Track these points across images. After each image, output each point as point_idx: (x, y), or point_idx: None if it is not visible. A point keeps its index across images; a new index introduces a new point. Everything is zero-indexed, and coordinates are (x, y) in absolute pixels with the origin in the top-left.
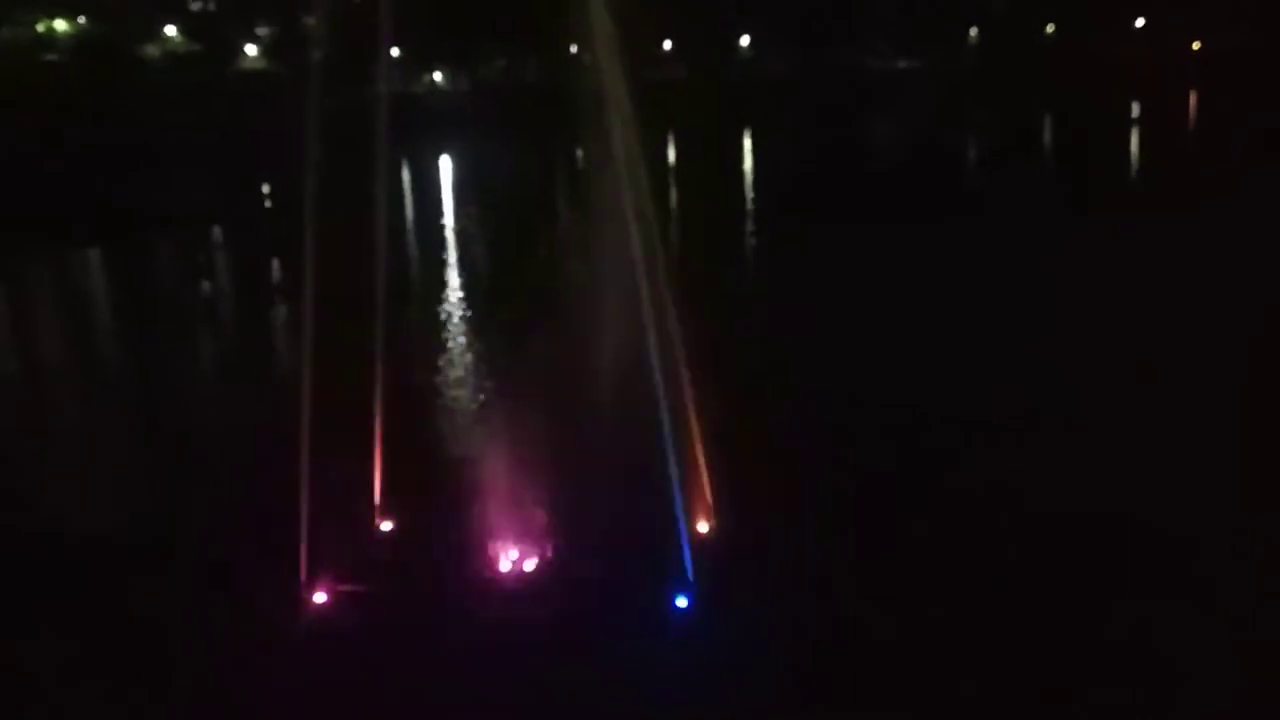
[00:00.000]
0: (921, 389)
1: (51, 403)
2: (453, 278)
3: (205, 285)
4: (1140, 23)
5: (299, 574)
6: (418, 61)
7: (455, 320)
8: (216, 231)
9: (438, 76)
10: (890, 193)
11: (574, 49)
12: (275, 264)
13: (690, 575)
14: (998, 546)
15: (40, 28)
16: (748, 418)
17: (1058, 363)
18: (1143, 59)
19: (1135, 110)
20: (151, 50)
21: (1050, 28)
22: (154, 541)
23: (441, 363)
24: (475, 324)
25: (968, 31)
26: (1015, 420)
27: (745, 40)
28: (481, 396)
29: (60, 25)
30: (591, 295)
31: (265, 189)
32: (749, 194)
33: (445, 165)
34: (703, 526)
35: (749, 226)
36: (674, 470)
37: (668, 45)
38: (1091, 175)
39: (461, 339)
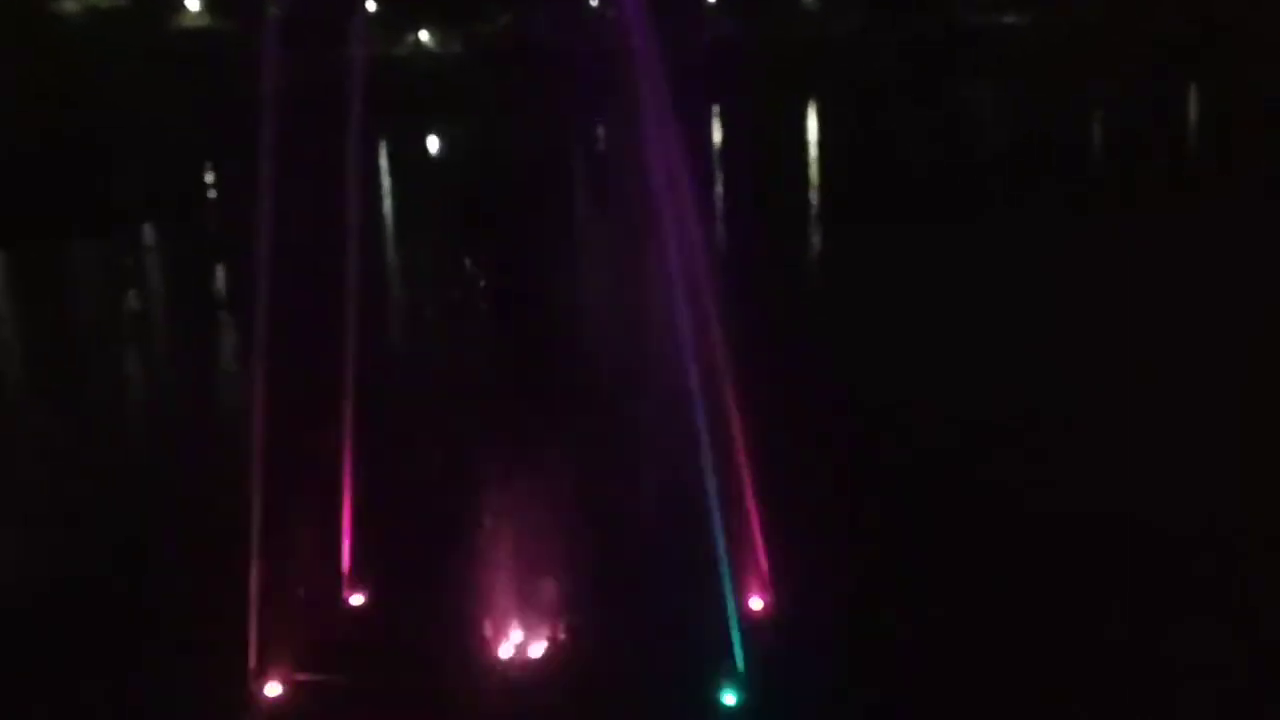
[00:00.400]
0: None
1: None
2: (439, 286)
3: (128, 299)
4: None
5: (247, 661)
6: (399, 18)
7: (439, 336)
8: (146, 231)
9: (424, 35)
10: (962, 185)
11: (593, 1)
12: (219, 271)
13: (740, 664)
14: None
15: None
16: (792, 450)
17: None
18: None
19: None
20: (70, 6)
21: None
22: (66, 614)
23: (424, 388)
24: (465, 339)
25: None
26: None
27: None
28: (473, 432)
29: None
30: (617, 316)
31: (209, 177)
32: (806, 191)
33: (433, 148)
34: (756, 603)
35: (805, 235)
36: (719, 531)
37: None
38: (1237, 167)
39: (447, 356)
